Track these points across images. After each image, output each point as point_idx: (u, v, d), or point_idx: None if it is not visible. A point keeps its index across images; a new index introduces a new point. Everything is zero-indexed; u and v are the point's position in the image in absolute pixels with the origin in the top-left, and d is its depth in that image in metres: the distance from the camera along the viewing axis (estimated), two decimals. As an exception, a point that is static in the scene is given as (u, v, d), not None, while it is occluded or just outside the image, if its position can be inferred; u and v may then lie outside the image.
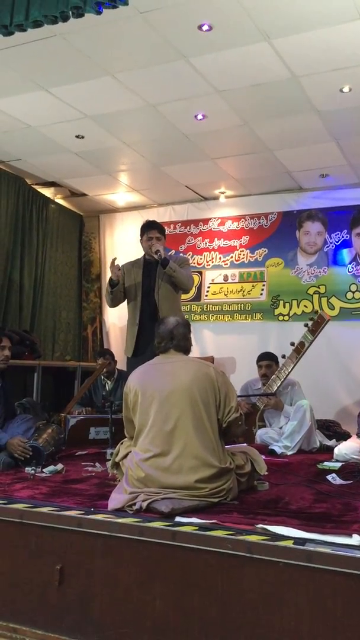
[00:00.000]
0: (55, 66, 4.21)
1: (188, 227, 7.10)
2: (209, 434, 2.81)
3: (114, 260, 4.54)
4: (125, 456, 2.95)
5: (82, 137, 5.41)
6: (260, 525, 2.34)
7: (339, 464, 3.96)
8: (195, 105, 4.75)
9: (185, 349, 3.07)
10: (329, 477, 3.46)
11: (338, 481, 3.39)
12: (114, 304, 4.67)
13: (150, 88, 4.49)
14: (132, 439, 2.95)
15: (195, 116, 4.90)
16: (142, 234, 4.61)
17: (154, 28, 3.74)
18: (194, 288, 6.93)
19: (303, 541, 2.17)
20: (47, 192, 6.96)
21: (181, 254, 6.63)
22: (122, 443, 3.09)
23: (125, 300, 4.65)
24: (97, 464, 3.79)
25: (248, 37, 3.81)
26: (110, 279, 4.54)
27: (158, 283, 4.44)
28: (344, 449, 4.21)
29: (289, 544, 2.15)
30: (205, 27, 3.72)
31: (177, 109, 4.81)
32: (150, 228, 4.57)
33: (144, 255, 4.62)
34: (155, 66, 4.20)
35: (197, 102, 4.70)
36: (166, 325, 3.06)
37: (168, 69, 4.21)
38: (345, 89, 4.39)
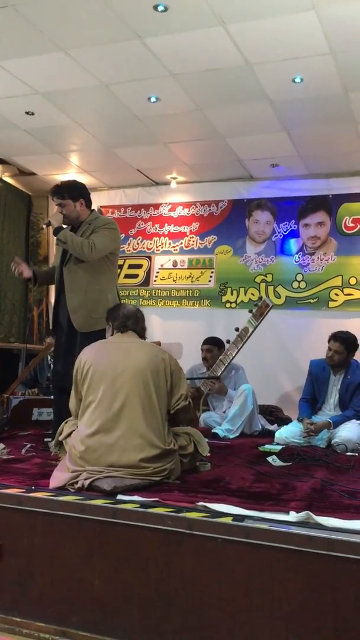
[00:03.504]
0: (5, 38, 4.09)
1: (138, 211, 7.06)
2: (156, 415, 2.84)
3: (16, 258, 4.08)
4: (69, 435, 2.93)
5: (32, 114, 5.26)
6: (200, 503, 2.38)
7: (279, 447, 4.05)
8: (148, 87, 4.71)
9: (143, 333, 3.19)
10: (269, 459, 3.54)
11: (278, 463, 3.48)
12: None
13: (103, 67, 4.43)
14: (77, 417, 2.94)
15: (149, 98, 4.86)
16: None
17: (108, 5, 3.68)
18: (142, 273, 6.92)
19: (242, 518, 2.22)
20: (-5, 169, 6.79)
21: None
22: (66, 422, 3.07)
23: None
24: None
25: (203, 21, 3.79)
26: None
27: (68, 255, 3.89)
28: (285, 433, 4.32)
29: (228, 520, 2.19)
30: (160, 8, 3.69)
31: (130, 90, 4.76)
32: (52, 195, 4.02)
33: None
34: (109, 44, 4.13)
35: (150, 84, 4.66)
36: (128, 308, 3.18)
37: (122, 48, 4.15)
38: (297, 80, 4.43)
